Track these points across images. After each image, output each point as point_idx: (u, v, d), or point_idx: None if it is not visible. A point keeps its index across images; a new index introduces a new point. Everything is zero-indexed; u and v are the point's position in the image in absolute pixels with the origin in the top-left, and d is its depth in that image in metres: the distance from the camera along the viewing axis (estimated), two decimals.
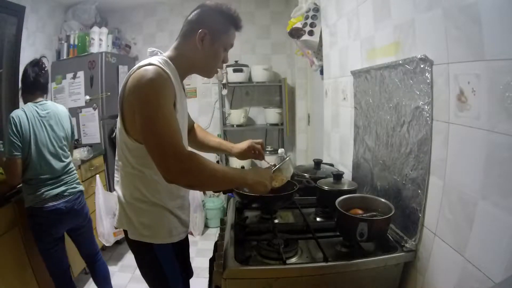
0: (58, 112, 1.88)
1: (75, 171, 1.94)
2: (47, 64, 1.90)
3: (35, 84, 1.83)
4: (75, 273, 2.24)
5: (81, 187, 1.93)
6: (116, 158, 1.11)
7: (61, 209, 1.77)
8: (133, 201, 1.08)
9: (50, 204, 1.74)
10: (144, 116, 0.92)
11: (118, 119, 1.05)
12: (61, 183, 1.82)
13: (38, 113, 1.78)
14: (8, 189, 1.79)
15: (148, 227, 1.08)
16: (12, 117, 1.69)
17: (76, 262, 2.20)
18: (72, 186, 1.86)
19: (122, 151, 1.07)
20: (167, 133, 0.90)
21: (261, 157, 1.37)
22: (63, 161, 1.85)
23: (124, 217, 1.10)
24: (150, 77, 0.92)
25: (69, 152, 1.94)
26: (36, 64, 1.85)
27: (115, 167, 1.13)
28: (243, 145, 1.36)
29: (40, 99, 1.84)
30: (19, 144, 1.68)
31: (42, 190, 1.74)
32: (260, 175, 1.07)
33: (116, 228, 2.33)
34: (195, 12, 1.08)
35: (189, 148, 1.16)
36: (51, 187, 1.77)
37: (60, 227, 1.83)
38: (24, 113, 1.73)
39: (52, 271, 1.84)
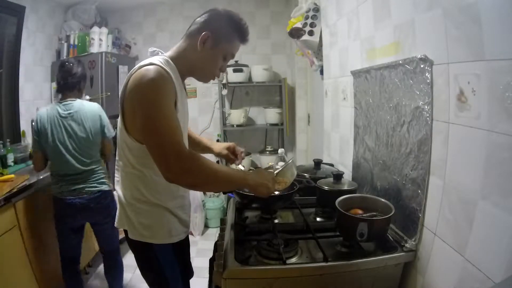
0: (83, 113, 1.90)
1: (100, 171, 1.96)
2: (71, 66, 1.98)
3: (59, 85, 1.95)
4: None
5: (103, 187, 1.94)
6: (117, 158, 1.11)
7: (75, 205, 1.85)
8: (133, 201, 1.08)
9: (66, 198, 1.86)
10: (145, 116, 0.92)
11: (119, 119, 1.05)
12: (80, 180, 1.88)
13: (59, 112, 1.87)
14: (8, 189, 1.80)
15: (147, 227, 1.08)
16: (36, 115, 1.92)
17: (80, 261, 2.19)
18: (92, 185, 1.90)
19: (122, 151, 1.07)
20: (168, 133, 0.90)
21: (237, 161, 1.39)
22: (83, 161, 1.89)
23: (124, 217, 1.11)
24: (151, 76, 0.92)
25: (93, 153, 1.94)
26: (61, 66, 1.96)
27: (116, 167, 1.13)
28: (226, 144, 1.41)
29: (68, 99, 1.92)
30: (37, 139, 1.87)
31: (59, 184, 1.88)
32: (262, 177, 1.07)
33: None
34: (205, 14, 1.07)
35: None
36: (68, 183, 1.87)
37: (74, 220, 1.91)
38: (46, 112, 1.88)
39: (62, 255, 1.97)
